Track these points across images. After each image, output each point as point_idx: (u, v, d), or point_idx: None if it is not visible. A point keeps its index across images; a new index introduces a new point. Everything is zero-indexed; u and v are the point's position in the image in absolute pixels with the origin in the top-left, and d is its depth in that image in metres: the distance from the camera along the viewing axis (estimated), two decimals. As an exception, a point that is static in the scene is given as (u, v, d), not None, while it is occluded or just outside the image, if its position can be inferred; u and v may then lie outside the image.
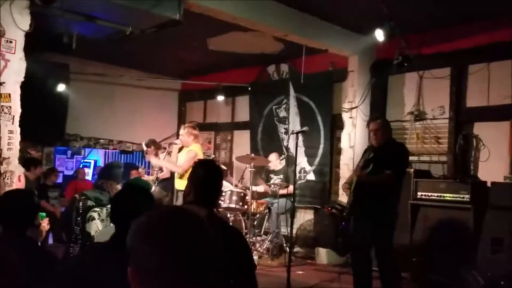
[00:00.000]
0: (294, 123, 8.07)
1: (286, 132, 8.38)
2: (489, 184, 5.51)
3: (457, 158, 6.33)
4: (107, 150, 10.63)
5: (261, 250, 6.83)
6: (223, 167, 7.99)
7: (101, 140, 9.75)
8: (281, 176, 7.52)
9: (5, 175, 4.27)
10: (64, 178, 9.72)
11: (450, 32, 6.46)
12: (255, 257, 5.98)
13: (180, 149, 6.23)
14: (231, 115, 9.93)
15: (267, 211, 7.38)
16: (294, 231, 6.07)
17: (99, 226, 5.99)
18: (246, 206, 7.00)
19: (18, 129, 4.51)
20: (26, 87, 4.58)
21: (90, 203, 6.21)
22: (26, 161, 6.49)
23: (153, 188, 6.74)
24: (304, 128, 5.09)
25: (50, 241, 6.48)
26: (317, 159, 7.93)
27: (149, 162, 8.67)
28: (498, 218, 5.11)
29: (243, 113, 9.57)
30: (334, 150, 7.81)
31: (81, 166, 10.35)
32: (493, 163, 6.06)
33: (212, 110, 10.29)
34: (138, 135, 9.83)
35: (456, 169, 6.30)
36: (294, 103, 8.14)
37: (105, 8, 5.00)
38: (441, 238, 5.49)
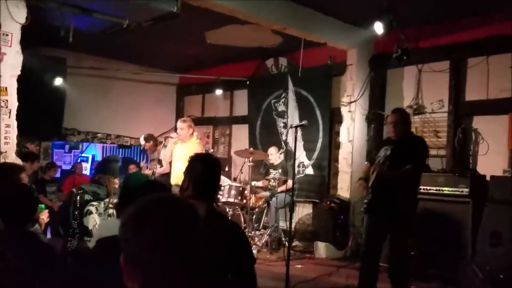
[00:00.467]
0: (293, 117, 8.04)
1: (285, 126, 8.35)
2: (488, 178, 5.51)
3: (456, 151, 6.32)
4: (104, 145, 10.58)
5: (259, 244, 6.83)
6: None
7: (99, 135, 9.72)
8: (280, 171, 7.51)
9: (2, 170, 4.24)
10: (61, 173, 9.68)
11: (449, 25, 6.44)
12: (254, 251, 5.97)
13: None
14: (230, 109, 9.90)
15: (266, 205, 7.38)
16: (293, 225, 6.06)
17: (96, 220, 5.97)
18: (245, 200, 6.99)
19: (15, 123, 4.49)
20: (22, 81, 4.55)
21: (87, 197, 6.18)
22: (23, 156, 6.45)
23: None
24: (303, 122, 5.05)
25: (48, 235, 6.47)
26: (316, 153, 7.91)
27: (147, 157, 8.64)
28: (497, 212, 5.11)
29: (241, 107, 9.55)
30: (332, 144, 7.80)
31: (78, 161, 10.30)
32: (492, 157, 6.05)
33: (210, 104, 10.26)
34: (136, 130, 9.82)
35: (455, 163, 6.29)
36: (293, 97, 8.11)
37: (102, 1, 4.96)
38: (440, 232, 5.48)
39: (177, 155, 6.15)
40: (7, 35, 4.37)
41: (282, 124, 8.51)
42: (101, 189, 6.35)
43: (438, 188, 5.68)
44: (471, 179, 5.50)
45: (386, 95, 7.21)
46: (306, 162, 8.02)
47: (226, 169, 8.83)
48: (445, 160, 6.44)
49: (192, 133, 6.08)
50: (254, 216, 7.36)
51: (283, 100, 8.49)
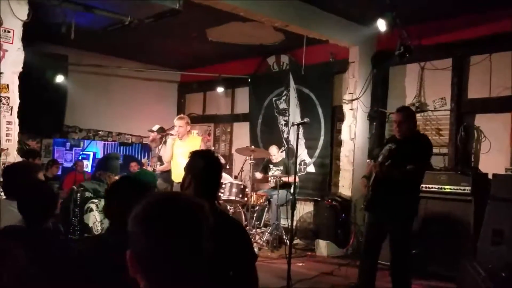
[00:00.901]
0: (294, 115, 8.02)
1: (286, 124, 8.34)
2: (490, 176, 5.49)
3: (458, 150, 6.30)
4: (106, 142, 10.60)
5: (261, 242, 6.83)
6: (222, 160, 7.97)
7: (100, 132, 9.72)
8: (281, 168, 7.50)
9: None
10: (63, 170, 9.68)
11: (451, 23, 6.41)
12: (255, 249, 5.97)
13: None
14: (231, 107, 9.89)
15: (267, 203, 7.37)
16: (294, 223, 6.06)
17: (97, 217, 5.99)
18: (246, 198, 6.99)
19: (17, 120, 4.48)
20: (24, 78, 4.55)
21: (88, 194, 6.20)
22: (25, 153, 6.46)
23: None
24: (305, 120, 5.03)
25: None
26: (317, 151, 7.90)
27: (149, 153, 8.65)
28: (499, 210, 5.10)
29: (242, 105, 9.53)
30: (334, 142, 7.78)
31: (80, 158, 10.31)
32: (494, 155, 6.04)
33: (211, 102, 10.25)
34: (137, 127, 9.82)
35: (457, 161, 6.27)
36: (294, 95, 8.09)
37: (104, -3, 4.97)
38: (442, 230, 5.47)
39: (178, 152, 6.15)
40: (8, 32, 4.37)
41: (283, 122, 8.50)
42: (101, 186, 6.37)
43: (440, 186, 5.67)
44: (473, 177, 5.49)
45: (388, 93, 7.20)
46: (308, 160, 8.01)
47: (227, 167, 8.82)
48: (447, 158, 6.42)
49: (190, 130, 6.10)
50: (255, 214, 7.35)
51: (284, 97, 8.47)
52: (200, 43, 8.10)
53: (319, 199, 7.52)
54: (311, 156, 7.98)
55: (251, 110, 9.14)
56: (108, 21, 5.53)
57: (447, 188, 5.61)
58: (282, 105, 8.53)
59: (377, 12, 5.77)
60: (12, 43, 4.41)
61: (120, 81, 9.69)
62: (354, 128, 7.08)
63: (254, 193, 7.21)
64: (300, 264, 6.16)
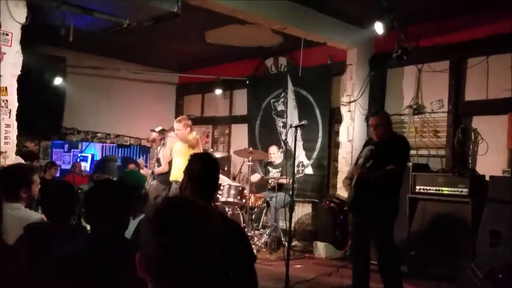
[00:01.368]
0: (292, 116, 8.03)
1: (284, 126, 8.35)
2: (487, 178, 5.52)
3: (455, 151, 6.31)
4: (104, 144, 10.57)
5: (259, 244, 6.83)
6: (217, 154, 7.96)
7: (99, 134, 9.72)
8: (280, 169, 7.50)
9: (2, 169, 4.24)
10: (61, 172, 9.67)
11: (449, 25, 6.43)
12: (254, 251, 5.97)
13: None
14: (229, 109, 9.89)
15: (265, 205, 7.37)
16: (292, 225, 6.06)
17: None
18: (244, 200, 6.99)
19: (15, 123, 4.48)
20: (22, 80, 4.54)
21: (86, 196, 6.17)
22: (23, 155, 6.45)
23: (151, 182, 6.71)
24: (303, 122, 5.05)
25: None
26: (315, 153, 7.91)
27: (147, 155, 8.64)
28: (496, 212, 5.12)
29: (241, 107, 9.54)
30: (332, 144, 7.80)
31: (78, 160, 10.30)
32: (492, 157, 6.06)
33: (209, 103, 10.25)
34: (136, 129, 9.82)
35: (454, 162, 6.28)
36: (292, 97, 8.10)
37: (102, 0, 4.96)
38: (440, 232, 5.49)
39: (176, 150, 6.17)
40: (7, 34, 4.37)
41: (281, 124, 8.51)
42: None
43: (437, 188, 5.69)
44: (471, 179, 5.51)
45: (386, 95, 7.21)
46: (306, 161, 8.02)
47: (225, 168, 8.82)
48: (445, 160, 6.44)
49: (191, 131, 6.07)
50: (254, 215, 7.36)
51: (282, 99, 8.48)
52: (199, 45, 8.11)
53: (317, 201, 7.52)
54: (309, 158, 7.99)
55: (249, 112, 9.15)
56: (106, 23, 5.52)
57: (445, 190, 5.62)
58: (280, 107, 8.55)
59: (375, 15, 5.79)
60: (10, 46, 4.40)
61: (118, 83, 9.69)
62: (352, 130, 7.10)
63: (253, 195, 7.22)
64: (299, 266, 6.17)
